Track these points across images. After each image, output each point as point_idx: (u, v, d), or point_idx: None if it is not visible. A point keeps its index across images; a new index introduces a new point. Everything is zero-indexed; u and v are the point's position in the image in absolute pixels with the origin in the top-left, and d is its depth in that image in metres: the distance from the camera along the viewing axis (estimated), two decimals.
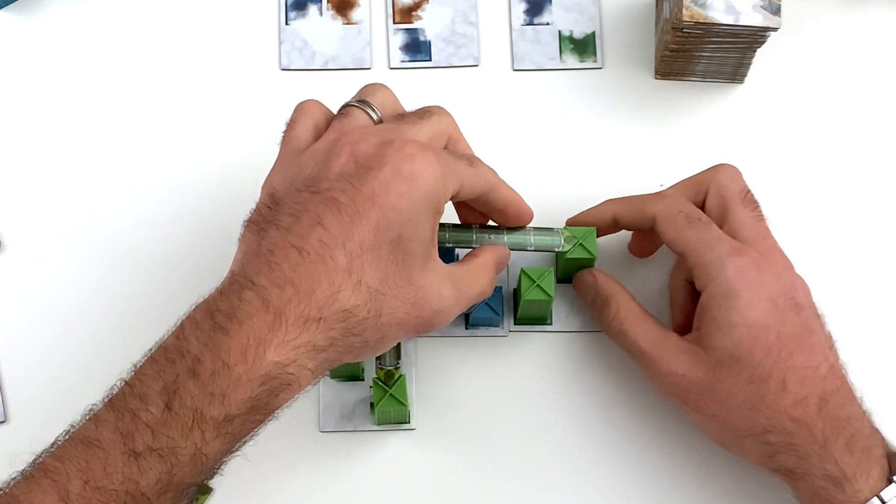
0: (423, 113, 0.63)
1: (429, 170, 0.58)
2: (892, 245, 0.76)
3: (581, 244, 0.70)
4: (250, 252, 0.58)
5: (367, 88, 0.65)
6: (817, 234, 0.76)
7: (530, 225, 0.70)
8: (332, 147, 0.60)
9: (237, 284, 0.56)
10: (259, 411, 0.55)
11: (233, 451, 0.56)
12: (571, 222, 0.72)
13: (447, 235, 0.70)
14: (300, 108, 0.64)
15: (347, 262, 0.56)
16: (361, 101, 0.63)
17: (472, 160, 0.63)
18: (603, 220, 0.71)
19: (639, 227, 0.70)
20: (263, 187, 0.62)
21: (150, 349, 0.56)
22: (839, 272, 0.75)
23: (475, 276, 0.65)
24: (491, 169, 0.65)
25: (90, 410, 0.55)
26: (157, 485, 0.53)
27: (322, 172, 0.59)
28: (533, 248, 0.70)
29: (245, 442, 0.57)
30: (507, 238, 0.70)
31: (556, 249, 0.70)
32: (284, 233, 0.57)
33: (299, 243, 0.56)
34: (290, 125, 0.63)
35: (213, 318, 0.55)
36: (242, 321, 0.54)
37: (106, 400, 0.55)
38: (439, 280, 0.61)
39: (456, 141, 0.65)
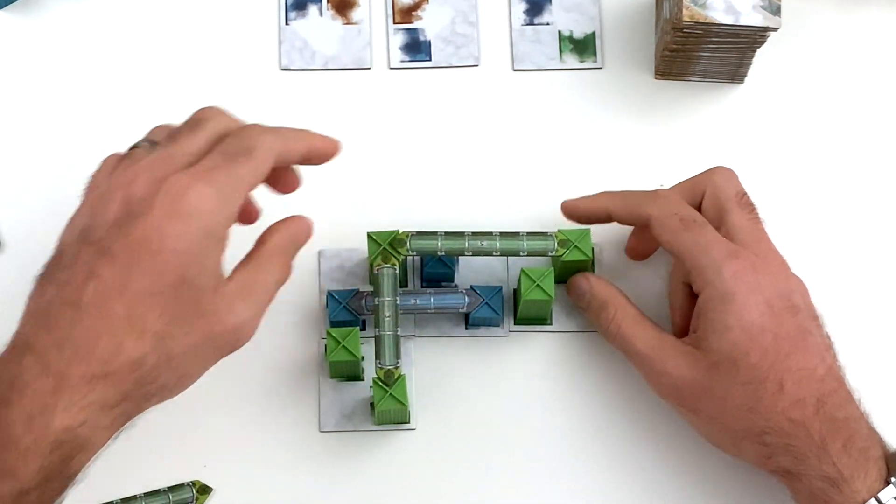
0: (194, 123, 0.61)
1: (204, 204, 0.55)
2: (892, 245, 0.76)
3: (576, 246, 0.70)
4: (30, 312, 0.56)
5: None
6: (817, 234, 0.76)
7: (524, 230, 0.70)
8: (105, 193, 0.57)
9: (17, 350, 0.54)
10: (55, 479, 0.53)
11: None
12: (566, 206, 0.72)
13: (439, 244, 0.70)
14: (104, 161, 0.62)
15: (127, 312, 0.54)
16: (148, 140, 0.62)
17: (248, 151, 0.59)
18: (596, 213, 0.71)
19: (632, 224, 0.70)
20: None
21: None
22: (838, 273, 0.75)
23: (265, 270, 0.61)
24: (267, 132, 0.60)
25: None
26: None
27: (96, 221, 0.56)
28: (526, 254, 0.70)
29: None
30: (499, 244, 0.70)
31: (550, 254, 0.71)
32: (60, 289, 0.55)
33: (75, 298, 0.54)
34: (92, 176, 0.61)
35: None
36: (24, 390, 0.52)
37: None
38: (230, 298, 0.58)
39: (235, 134, 0.61)
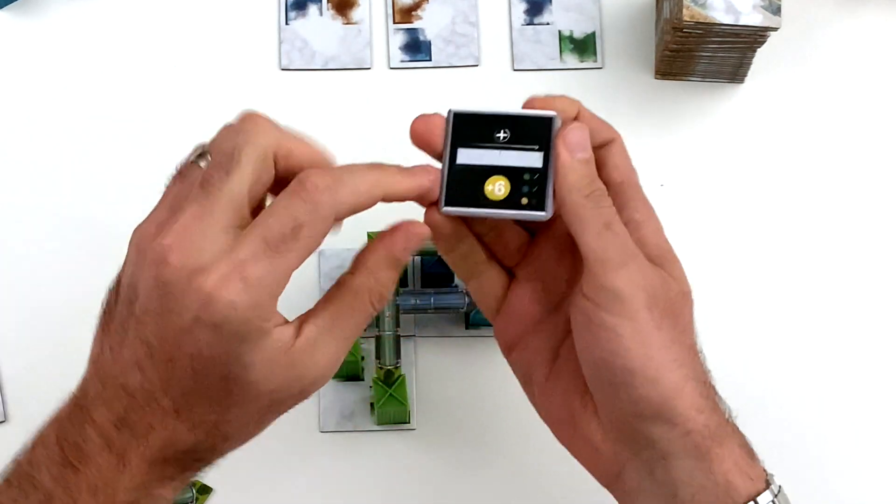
0: (230, 156, 0.53)
1: (234, 311, 0.50)
2: (892, 244, 0.76)
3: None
4: (93, 364, 0.54)
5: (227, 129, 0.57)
6: (816, 233, 0.76)
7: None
8: (144, 254, 0.53)
9: (80, 412, 0.53)
10: None
11: None
12: (528, 106, 0.59)
13: None
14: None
15: (174, 407, 0.52)
16: (202, 153, 0.57)
17: (295, 231, 0.51)
18: (566, 112, 0.59)
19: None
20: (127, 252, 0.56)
21: (7, 467, 0.54)
22: (838, 270, 0.75)
23: (341, 317, 0.54)
24: (323, 193, 0.52)
25: None
26: None
27: (136, 289, 0.53)
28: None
29: None
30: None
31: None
32: (112, 360, 0.53)
33: (125, 382, 0.52)
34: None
35: (62, 447, 0.53)
36: (89, 460, 0.52)
37: None
38: (296, 362, 0.53)
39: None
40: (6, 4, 0.79)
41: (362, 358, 0.70)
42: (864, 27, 0.80)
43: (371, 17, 0.80)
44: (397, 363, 0.69)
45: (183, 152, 0.77)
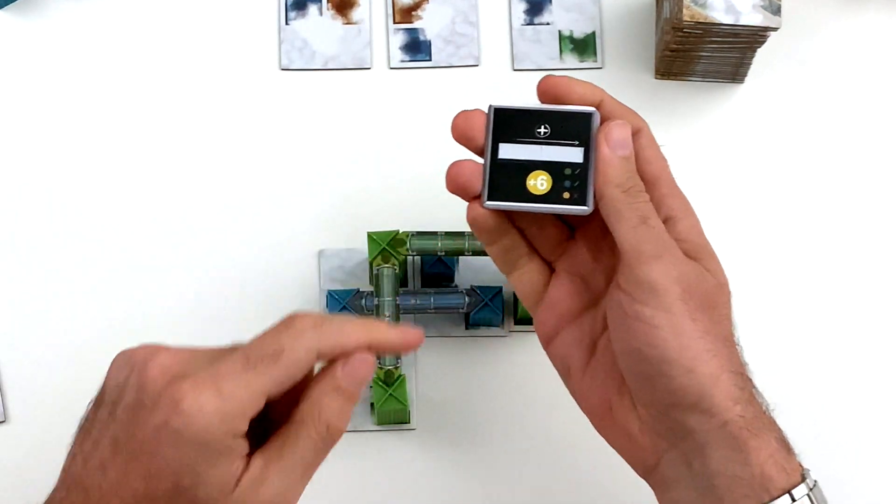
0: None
1: (199, 416, 0.50)
2: (892, 244, 0.76)
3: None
4: (63, 472, 0.54)
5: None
6: (817, 233, 0.76)
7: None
8: (130, 362, 0.54)
9: None
10: None
11: None
12: (548, 83, 0.59)
13: (439, 244, 0.70)
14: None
15: None
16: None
17: (274, 355, 0.52)
18: (585, 97, 0.59)
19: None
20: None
21: None
22: (838, 270, 0.75)
23: (291, 445, 0.54)
24: (307, 330, 0.53)
25: None
26: None
27: (120, 394, 0.53)
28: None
29: None
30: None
31: None
32: (81, 464, 0.53)
33: (86, 484, 0.52)
34: None
35: None
36: None
37: None
38: (254, 489, 0.53)
39: (270, 332, 0.53)
40: (6, 4, 0.79)
41: None
42: (864, 27, 0.80)
43: (371, 17, 0.80)
44: (397, 363, 0.69)
45: (182, 152, 0.78)
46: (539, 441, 0.73)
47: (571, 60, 0.79)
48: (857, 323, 0.74)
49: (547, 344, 0.62)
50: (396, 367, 0.69)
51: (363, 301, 0.71)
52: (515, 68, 0.79)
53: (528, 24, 0.80)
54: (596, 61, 0.79)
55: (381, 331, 0.55)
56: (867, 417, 0.73)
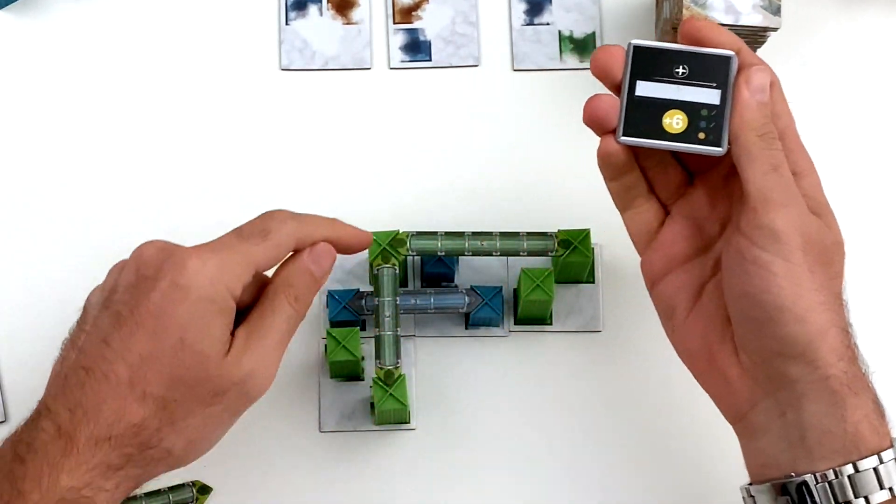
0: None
1: (203, 272, 0.57)
2: (893, 244, 0.76)
3: (577, 246, 0.70)
4: (53, 375, 0.58)
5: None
6: None
7: (523, 230, 0.70)
8: (126, 260, 0.60)
9: (38, 413, 0.56)
10: None
11: None
12: (692, 26, 0.60)
13: (439, 244, 0.71)
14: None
15: (129, 375, 0.56)
16: None
17: (263, 233, 0.60)
18: (726, 44, 0.59)
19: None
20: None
21: None
22: None
23: (268, 313, 0.60)
24: (290, 219, 0.61)
25: None
26: None
27: (114, 285, 0.59)
28: (526, 253, 0.70)
29: None
30: (499, 244, 0.70)
31: (550, 254, 0.71)
32: (78, 353, 0.57)
33: (87, 363, 0.56)
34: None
35: (14, 448, 0.55)
36: (38, 449, 0.54)
37: None
38: (235, 355, 0.58)
39: (259, 217, 0.61)
40: (6, 4, 0.79)
41: (362, 358, 0.70)
42: (864, 27, 0.80)
43: (371, 17, 0.80)
44: (397, 363, 0.69)
45: (183, 152, 0.78)
46: (539, 441, 0.73)
47: (571, 61, 0.79)
48: (857, 323, 0.74)
49: (653, 286, 0.63)
50: (396, 367, 0.69)
51: (363, 301, 0.71)
52: (515, 68, 0.79)
53: (528, 25, 0.80)
54: None
55: (342, 228, 0.62)
56: None
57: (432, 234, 0.71)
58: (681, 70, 0.59)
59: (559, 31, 0.79)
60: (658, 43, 0.60)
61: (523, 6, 0.80)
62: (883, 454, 0.56)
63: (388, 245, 0.71)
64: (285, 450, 0.72)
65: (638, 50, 0.59)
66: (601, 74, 0.61)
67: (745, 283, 0.57)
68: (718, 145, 0.58)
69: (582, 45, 0.79)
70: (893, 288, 0.76)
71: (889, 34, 0.80)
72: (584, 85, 0.78)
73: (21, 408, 0.73)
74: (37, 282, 0.75)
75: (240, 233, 0.60)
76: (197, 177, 0.77)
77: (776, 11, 0.72)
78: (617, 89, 0.60)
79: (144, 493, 0.70)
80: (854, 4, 0.80)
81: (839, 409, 0.56)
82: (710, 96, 0.59)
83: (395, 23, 0.80)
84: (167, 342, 0.56)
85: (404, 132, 0.78)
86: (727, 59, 0.59)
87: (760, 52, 0.75)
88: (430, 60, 0.79)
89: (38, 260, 0.76)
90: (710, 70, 0.59)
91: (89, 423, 0.55)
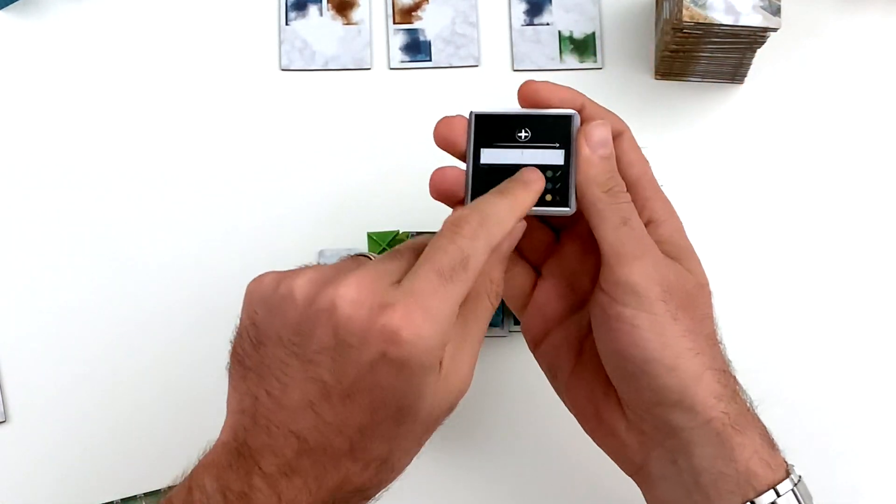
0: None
1: (419, 342, 0.51)
2: (892, 244, 0.76)
3: None
4: (247, 414, 0.54)
5: None
6: (817, 233, 0.76)
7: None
8: (311, 301, 0.53)
9: (244, 462, 0.53)
10: None
11: None
12: (528, 89, 0.59)
13: None
14: None
15: (348, 447, 0.53)
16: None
17: (463, 264, 0.53)
18: (568, 102, 0.59)
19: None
20: (245, 303, 0.55)
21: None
22: (838, 269, 0.75)
23: (469, 324, 0.56)
24: (480, 233, 0.54)
25: None
26: None
27: (302, 334, 0.53)
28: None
29: None
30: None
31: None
32: (276, 407, 0.53)
33: (296, 428, 0.52)
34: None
35: (225, 496, 0.52)
36: None
37: None
38: (446, 386, 0.54)
39: (445, 242, 0.54)
40: (6, 5, 0.79)
41: None
42: (864, 27, 0.80)
43: (371, 17, 0.80)
44: None
45: (183, 152, 0.78)
46: (539, 441, 0.73)
47: (571, 61, 0.79)
48: (857, 323, 0.74)
49: (535, 347, 0.62)
50: None
51: None
52: (515, 69, 0.79)
53: (528, 25, 0.80)
54: (596, 62, 0.79)
55: (522, 199, 0.56)
56: (853, 414, 0.73)
57: (432, 235, 0.71)
58: (523, 134, 0.58)
59: (559, 32, 0.79)
60: (499, 109, 0.59)
61: (523, 6, 0.80)
62: (779, 487, 0.56)
63: (388, 245, 0.71)
64: None
65: (479, 118, 0.59)
66: (444, 146, 0.59)
67: (613, 340, 0.57)
68: (566, 205, 0.57)
69: (582, 46, 0.79)
70: (893, 286, 0.76)
71: (889, 34, 0.80)
72: (583, 85, 0.79)
73: (21, 408, 0.73)
74: (37, 282, 0.75)
75: (440, 272, 0.53)
76: (197, 177, 0.77)
77: (776, 12, 0.72)
78: (464, 158, 0.59)
79: (144, 493, 0.70)
80: (854, 4, 0.80)
81: (726, 449, 0.56)
82: (554, 157, 0.58)
83: (395, 23, 0.80)
84: (385, 413, 0.52)
85: (404, 132, 0.78)
86: (568, 117, 0.58)
87: (760, 52, 0.75)
88: (430, 61, 0.79)
89: (37, 260, 0.76)
90: (552, 131, 0.58)
91: (310, 493, 0.52)
